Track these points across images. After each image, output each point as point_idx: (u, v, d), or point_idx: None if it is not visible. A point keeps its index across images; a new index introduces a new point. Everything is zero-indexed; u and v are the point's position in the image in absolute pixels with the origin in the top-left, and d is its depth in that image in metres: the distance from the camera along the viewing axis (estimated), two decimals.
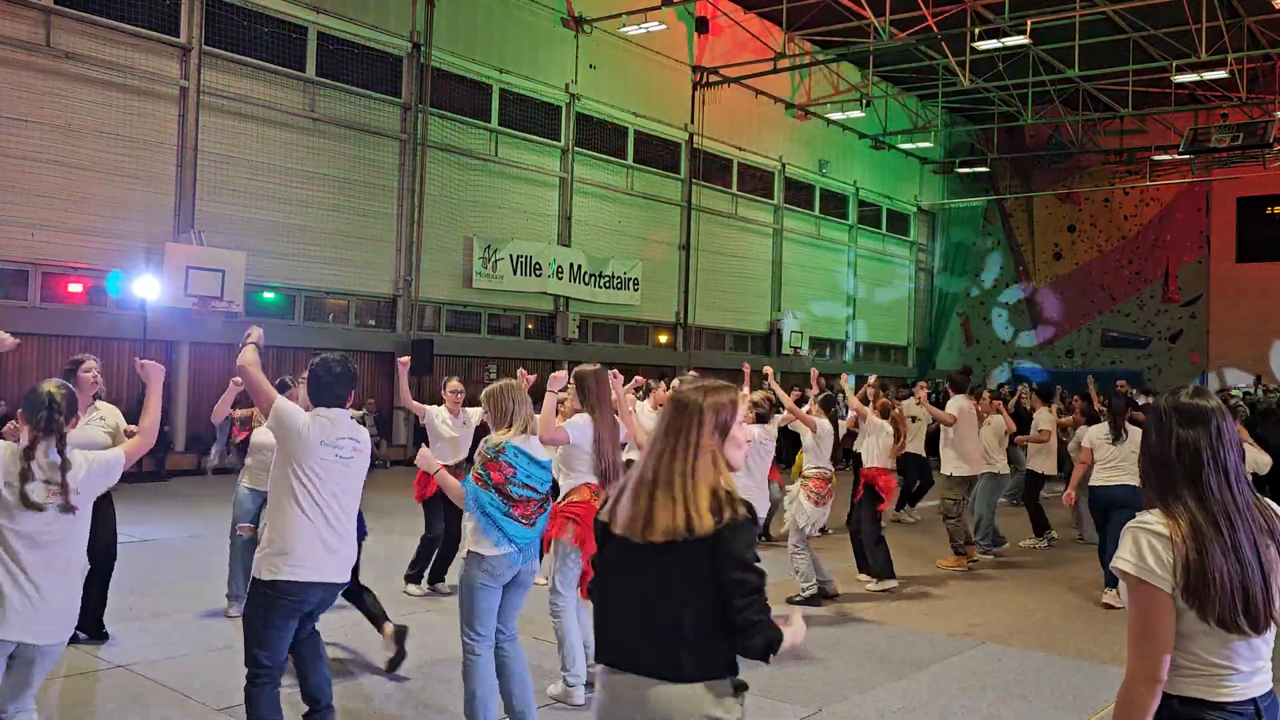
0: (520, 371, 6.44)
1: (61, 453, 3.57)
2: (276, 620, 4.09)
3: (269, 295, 16.41)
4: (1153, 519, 2.34)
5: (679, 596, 2.45)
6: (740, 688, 2.50)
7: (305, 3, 16.50)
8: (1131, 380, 20.48)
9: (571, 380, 5.53)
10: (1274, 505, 2.37)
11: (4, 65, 13.48)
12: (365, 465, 4.36)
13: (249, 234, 15.78)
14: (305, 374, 4.47)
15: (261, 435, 6.59)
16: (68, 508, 3.56)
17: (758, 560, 2.44)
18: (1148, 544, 2.29)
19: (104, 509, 5.89)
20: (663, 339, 23.74)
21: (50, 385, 3.68)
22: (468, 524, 4.64)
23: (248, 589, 4.24)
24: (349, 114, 17.27)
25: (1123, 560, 2.33)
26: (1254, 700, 2.32)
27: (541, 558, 6.76)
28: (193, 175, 15.22)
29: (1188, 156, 26.08)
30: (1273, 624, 2.30)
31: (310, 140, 16.73)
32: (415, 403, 7.67)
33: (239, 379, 6.17)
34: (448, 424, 7.57)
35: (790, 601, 7.66)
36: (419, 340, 17.83)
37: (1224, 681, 2.31)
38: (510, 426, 4.64)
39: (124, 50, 14.55)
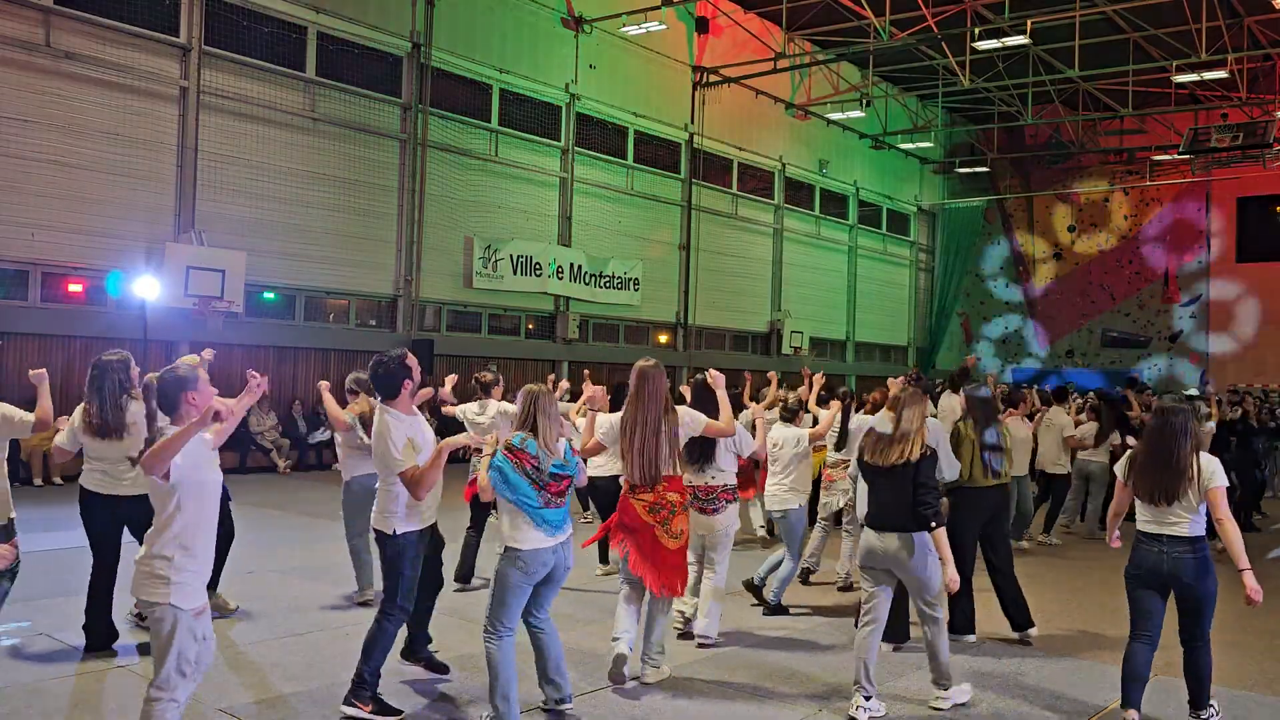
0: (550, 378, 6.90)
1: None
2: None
3: (269, 295, 16.41)
4: None
5: None
6: None
7: (305, 3, 16.49)
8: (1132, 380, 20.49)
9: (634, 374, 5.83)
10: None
11: (4, 65, 13.47)
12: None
13: (249, 234, 15.77)
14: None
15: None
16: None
17: None
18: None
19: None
20: (663, 339, 23.74)
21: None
22: (503, 519, 4.86)
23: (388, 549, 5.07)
24: (349, 114, 17.27)
25: None
26: None
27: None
28: (193, 175, 15.21)
29: (1188, 156, 26.07)
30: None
31: (310, 140, 16.73)
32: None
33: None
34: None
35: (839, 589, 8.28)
36: (419, 340, 17.83)
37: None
38: (532, 431, 4.85)
39: (124, 50, 14.54)
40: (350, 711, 4.92)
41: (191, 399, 3.95)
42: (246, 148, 15.87)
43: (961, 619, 6.72)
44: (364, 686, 4.97)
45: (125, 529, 5.99)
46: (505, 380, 8.65)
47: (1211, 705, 5.17)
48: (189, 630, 3.89)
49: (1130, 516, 5.30)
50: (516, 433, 4.88)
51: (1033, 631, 6.80)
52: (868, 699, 5.19)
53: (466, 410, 8.28)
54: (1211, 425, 11.41)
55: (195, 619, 3.92)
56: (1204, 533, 4.95)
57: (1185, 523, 4.90)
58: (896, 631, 6.44)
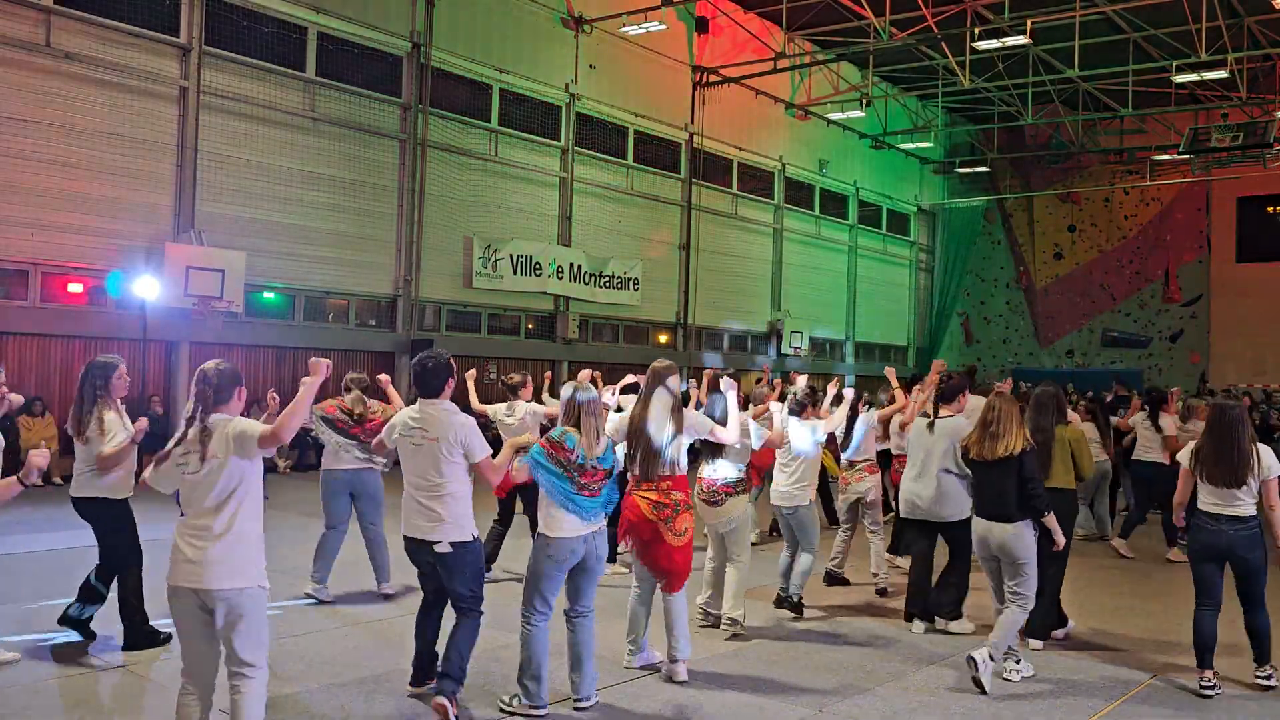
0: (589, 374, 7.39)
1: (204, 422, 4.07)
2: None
3: (269, 295, 16.41)
4: None
5: None
6: None
7: (305, 3, 16.49)
8: (1132, 379, 20.55)
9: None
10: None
11: (4, 65, 13.46)
12: (436, 449, 4.94)
13: (249, 234, 15.77)
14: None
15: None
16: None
17: None
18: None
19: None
20: (663, 339, 23.74)
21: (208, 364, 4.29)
22: (540, 508, 5.09)
23: None
24: (349, 114, 17.26)
25: None
26: None
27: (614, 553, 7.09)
28: (193, 175, 15.21)
29: (1188, 156, 26.04)
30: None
31: (310, 140, 16.72)
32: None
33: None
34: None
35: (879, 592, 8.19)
36: (419, 340, 17.83)
37: None
38: (575, 427, 5.09)
39: (124, 50, 14.54)
40: (448, 705, 4.79)
41: (241, 393, 4.32)
42: (246, 148, 15.86)
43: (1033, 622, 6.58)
44: (460, 681, 4.94)
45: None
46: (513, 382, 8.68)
47: (1271, 667, 5.83)
48: (265, 607, 4.11)
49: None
50: (559, 426, 5.13)
51: (1036, 644, 6.62)
52: (1011, 660, 5.85)
53: (496, 411, 8.43)
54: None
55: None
56: (1256, 512, 5.68)
57: (1244, 504, 5.62)
58: (929, 610, 7.01)
